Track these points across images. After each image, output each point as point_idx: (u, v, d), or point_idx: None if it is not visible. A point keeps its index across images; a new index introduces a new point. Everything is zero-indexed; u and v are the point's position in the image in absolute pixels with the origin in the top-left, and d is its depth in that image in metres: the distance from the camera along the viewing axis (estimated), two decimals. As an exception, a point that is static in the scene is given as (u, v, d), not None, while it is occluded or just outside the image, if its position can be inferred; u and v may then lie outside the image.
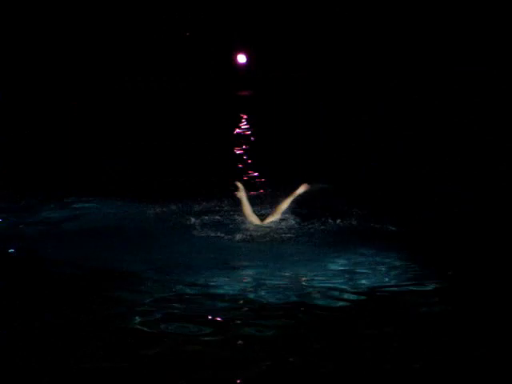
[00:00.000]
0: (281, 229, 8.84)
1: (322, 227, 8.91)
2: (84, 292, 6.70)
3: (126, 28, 26.89)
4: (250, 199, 9.29)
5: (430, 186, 11.57)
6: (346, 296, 6.41)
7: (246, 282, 6.90)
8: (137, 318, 5.97)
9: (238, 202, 9.15)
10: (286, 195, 9.23)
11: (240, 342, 5.43)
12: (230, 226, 8.98)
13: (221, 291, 6.61)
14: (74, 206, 10.55)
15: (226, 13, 25.78)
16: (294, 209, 9.54)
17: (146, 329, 5.74)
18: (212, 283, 6.83)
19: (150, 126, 19.82)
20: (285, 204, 9.07)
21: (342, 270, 7.23)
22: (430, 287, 6.65)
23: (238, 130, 18.46)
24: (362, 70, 25.00)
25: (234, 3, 25.73)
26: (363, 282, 6.80)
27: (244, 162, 14.43)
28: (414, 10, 24.97)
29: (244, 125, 19.43)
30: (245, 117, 20.46)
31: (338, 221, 9.20)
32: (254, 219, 8.99)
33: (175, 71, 26.23)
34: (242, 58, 25.51)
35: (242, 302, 6.29)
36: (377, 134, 17.47)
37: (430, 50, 24.39)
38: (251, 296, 6.42)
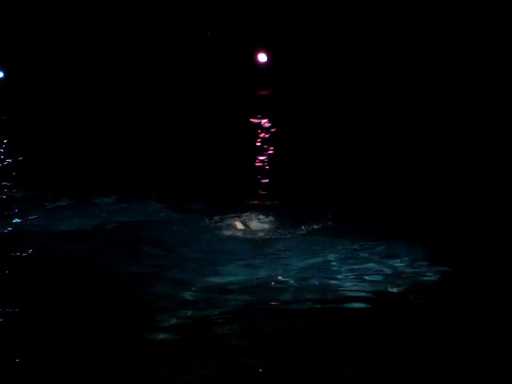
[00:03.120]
0: (281, 229, 8.83)
1: (321, 227, 8.90)
2: (84, 292, 6.70)
3: (125, 28, 26.87)
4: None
5: (430, 185, 11.57)
6: (344, 297, 6.41)
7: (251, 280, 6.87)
8: (137, 317, 5.97)
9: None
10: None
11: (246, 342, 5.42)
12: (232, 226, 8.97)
13: (227, 288, 6.60)
14: (74, 206, 10.54)
15: (245, 11, 25.69)
16: (292, 209, 9.55)
17: (146, 329, 5.74)
18: (215, 281, 6.84)
19: (151, 126, 19.82)
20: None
21: (341, 270, 7.22)
22: (430, 287, 6.65)
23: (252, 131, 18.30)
24: (362, 70, 24.99)
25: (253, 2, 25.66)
26: (362, 283, 6.79)
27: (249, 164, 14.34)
28: (414, 10, 24.96)
29: (262, 124, 19.27)
30: (264, 117, 20.33)
31: (338, 221, 9.20)
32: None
33: (175, 71, 26.23)
34: (262, 57, 25.46)
35: (247, 303, 6.26)
36: (377, 133, 17.47)
37: (430, 50, 24.38)
38: (259, 295, 6.40)
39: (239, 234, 8.63)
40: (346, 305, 6.23)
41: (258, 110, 21.78)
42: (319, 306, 6.19)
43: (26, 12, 26.44)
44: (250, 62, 25.61)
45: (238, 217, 9.15)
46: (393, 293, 6.50)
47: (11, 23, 26.13)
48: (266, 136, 18.02)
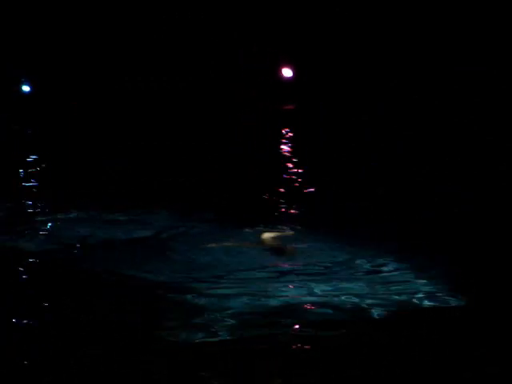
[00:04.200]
0: (284, 234, 8.76)
1: (321, 228, 8.89)
2: (84, 292, 6.70)
3: (125, 28, 26.88)
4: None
5: (430, 185, 11.57)
6: (349, 300, 6.40)
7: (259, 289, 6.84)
8: (137, 317, 5.98)
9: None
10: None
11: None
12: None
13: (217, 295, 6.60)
14: (74, 207, 10.54)
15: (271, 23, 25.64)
16: (294, 213, 9.54)
17: (146, 329, 5.74)
18: (216, 283, 6.85)
19: (151, 126, 19.82)
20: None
21: (341, 270, 7.22)
22: (430, 287, 6.65)
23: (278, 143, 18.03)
24: (362, 70, 24.99)
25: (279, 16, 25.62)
26: (364, 285, 6.79)
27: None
28: (413, 9, 24.96)
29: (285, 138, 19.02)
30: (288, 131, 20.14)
31: (338, 221, 9.21)
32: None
33: (175, 71, 26.22)
34: (287, 72, 25.44)
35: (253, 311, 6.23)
36: (377, 133, 17.47)
37: (430, 50, 24.37)
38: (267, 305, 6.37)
39: (241, 241, 8.53)
40: (347, 309, 6.23)
41: (283, 123, 21.57)
42: (324, 310, 6.18)
43: (25, 11, 26.44)
44: (275, 76, 25.53)
45: (241, 223, 9.03)
46: (394, 294, 6.50)
47: (35, 37, 26.17)
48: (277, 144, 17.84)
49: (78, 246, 8.32)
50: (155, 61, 26.63)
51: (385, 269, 7.22)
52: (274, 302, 6.37)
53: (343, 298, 6.42)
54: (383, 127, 18.36)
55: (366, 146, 15.74)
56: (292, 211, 10.16)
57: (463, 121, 17.96)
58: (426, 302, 6.30)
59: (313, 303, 6.31)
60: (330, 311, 6.11)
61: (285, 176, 12.99)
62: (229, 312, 6.07)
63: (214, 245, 8.25)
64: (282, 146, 16.83)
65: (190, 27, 26.96)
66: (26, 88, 25.77)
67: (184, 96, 24.94)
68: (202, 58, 26.66)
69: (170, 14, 26.86)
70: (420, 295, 6.45)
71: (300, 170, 13.52)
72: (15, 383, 4.92)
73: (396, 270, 7.19)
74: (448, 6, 24.39)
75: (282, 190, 11.77)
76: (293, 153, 15.50)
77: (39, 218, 9.79)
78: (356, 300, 6.35)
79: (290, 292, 6.66)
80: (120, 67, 26.49)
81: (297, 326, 5.83)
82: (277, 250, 8.09)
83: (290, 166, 13.97)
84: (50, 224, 9.51)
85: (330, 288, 6.70)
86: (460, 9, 24.16)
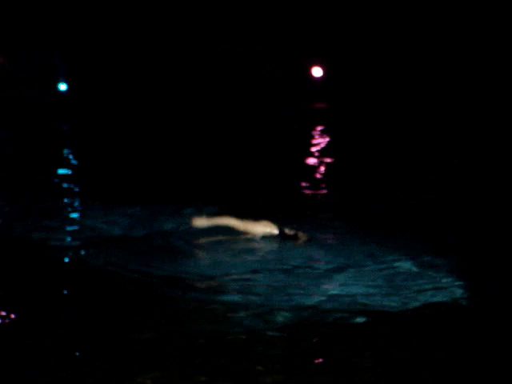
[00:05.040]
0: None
1: (321, 229, 8.89)
2: (84, 292, 6.71)
3: (127, 28, 26.92)
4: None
5: (430, 186, 11.61)
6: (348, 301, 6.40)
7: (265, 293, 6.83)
8: (138, 318, 5.99)
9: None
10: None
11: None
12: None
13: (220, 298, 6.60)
14: (74, 207, 10.55)
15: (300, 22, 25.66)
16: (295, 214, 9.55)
17: (147, 329, 5.75)
18: (219, 284, 6.86)
19: (151, 126, 19.85)
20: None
21: (341, 272, 7.22)
22: (431, 288, 6.66)
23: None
24: (362, 70, 25.04)
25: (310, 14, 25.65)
26: (364, 284, 6.80)
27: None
28: (414, 10, 25.01)
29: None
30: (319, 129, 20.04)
31: (339, 222, 9.23)
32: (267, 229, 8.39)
33: (176, 71, 26.26)
34: (317, 72, 25.53)
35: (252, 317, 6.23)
36: (377, 133, 17.51)
37: (431, 51, 24.43)
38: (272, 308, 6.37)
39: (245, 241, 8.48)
40: (355, 305, 6.24)
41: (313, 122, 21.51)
42: (331, 310, 6.19)
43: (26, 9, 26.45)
44: (305, 75, 25.56)
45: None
46: (399, 293, 6.52)
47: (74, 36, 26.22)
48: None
49: (77, 245, 8.33)
50: (155, 61, 26.67)
51: (391, 267, 7.23)
52: (284, 298, 6.40)
53: (351, 295, 6.45)
54: (383, 127, 18.40)
55: (371, 147, 15.78)
56: (297, 210, 10.15)
57: (463, 121, 18.01)
58: (425, 300, 6.31)
59: (323, 300, 6.33)
60: (341, 308, 6.13)
61: (290, 175, 13.00)
62: (231, 311, 6.08)
63: (216, 242, 8.27)
64: (288, 146, 16.87)
65: (190, 27, 27.01)
66: (62, 86, 25.63)
67: (184, 96, 24.99)
68: (203, 58, 26.71)
69: (169, 13, 26.91)
70: (421, 295, 6.46)
71: (304, 170, 13.55)
72: (15, 383, 4.93)
73: (401, 268, 7.20)
74: (448, 6, 24.44)
75: (286, 189, 11.77)
76: (298, 152, 15.53)
77: (39, 217, 9.79)
78: (363, 297, 6.38)
79: (302, 286, 6.69)
80: (120, 67, 26.53)
81: (304, 323, 5.85)
82: (289, 239, 8.14)
83: (294, 165, 14.00)
84: (49, 223, 9.52)
85: (339, 285, 6.72)
86: (460, 9, 24.21)
